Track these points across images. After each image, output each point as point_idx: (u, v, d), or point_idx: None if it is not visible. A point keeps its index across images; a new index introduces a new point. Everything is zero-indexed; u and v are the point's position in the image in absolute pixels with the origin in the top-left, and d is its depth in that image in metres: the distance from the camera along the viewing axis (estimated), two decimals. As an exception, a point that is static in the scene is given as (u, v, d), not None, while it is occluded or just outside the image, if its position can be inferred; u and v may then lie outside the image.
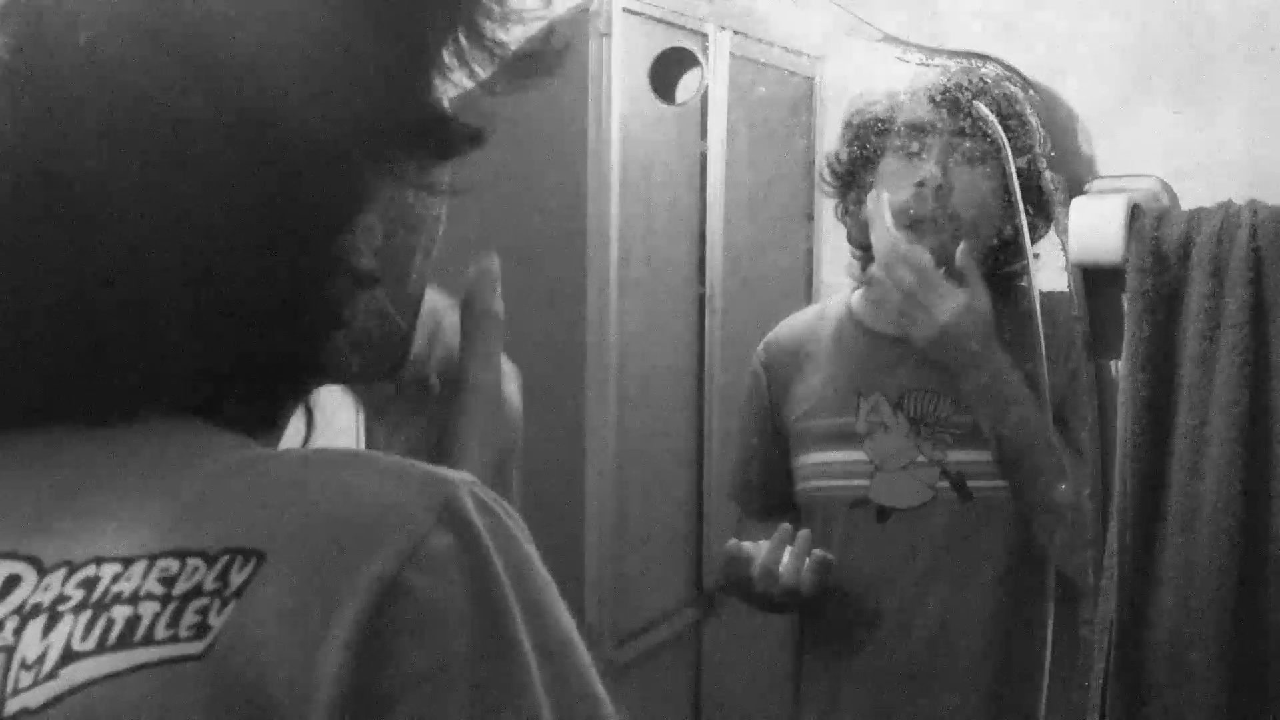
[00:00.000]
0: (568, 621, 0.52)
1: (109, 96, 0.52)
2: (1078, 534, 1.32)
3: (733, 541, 1.50)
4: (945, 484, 1.44)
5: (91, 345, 0.53)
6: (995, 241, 1.44)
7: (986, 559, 1.43)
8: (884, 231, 1.43)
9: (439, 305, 0.70)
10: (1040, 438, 1.38)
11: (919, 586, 1.45)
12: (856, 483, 1.48)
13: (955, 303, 1.37)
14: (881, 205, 1.44)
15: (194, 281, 0.53)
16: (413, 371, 0.68)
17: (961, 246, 1.40)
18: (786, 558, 1.42)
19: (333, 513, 0.50)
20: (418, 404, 0.72)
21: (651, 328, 1.77)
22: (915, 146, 1.44)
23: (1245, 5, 1.32)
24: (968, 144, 1.41)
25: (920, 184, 1.42)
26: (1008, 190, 1.40)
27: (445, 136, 0.59)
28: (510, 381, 0.71)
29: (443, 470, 0.53)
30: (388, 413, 0.73)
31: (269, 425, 0.60)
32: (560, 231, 1.69)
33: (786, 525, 1.44)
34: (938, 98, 1.43)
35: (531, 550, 0.52)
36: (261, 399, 0.58)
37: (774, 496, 1.56)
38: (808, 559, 1.41)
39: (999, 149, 1.40)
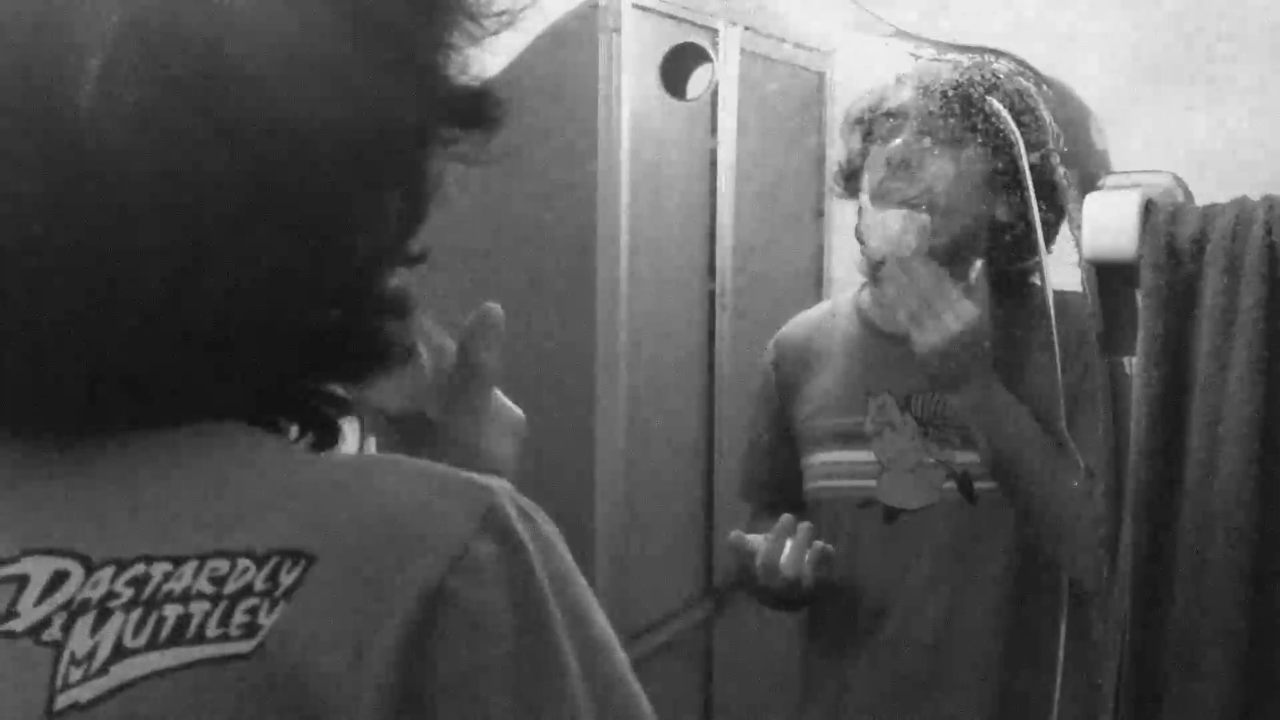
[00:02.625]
0: (606, 626, 0.53)
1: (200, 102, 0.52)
2: (1086, 535, 1.31)
3: (736, 533, 1.49)
4: (952, 485, 1.43)
5: (150, 353, 0.53)
6: (987, 226, 1.42)
7: (993, 560, 1.42)
8: (867, 210, 1.43)
9: (446, 343, 0.70)
10: (1034, 447, 1.37)
11: (926, 587, 1.44)
12: (864, 483, 1.47)
13: (967, 316, 1.36)
14: (863, 192, 1.45)
15: (253, 289, 0.53)
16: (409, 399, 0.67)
17: (979, 264, 1.39)
18: (787, 550, 1.41)
19: (380, 517, 0.51)
20: (407, 434, 0.71)
21: (661, 324, 1.76)
22: (891, 130, 1.44)
23: (1259, 0, 1.31)
24: (941, 126, 1.41)
25: (887, 162, 1.42)
26: (1019, 184, 1.39)
27: (486, 108, 0.59)
28: (503, 436, 0.71)
29: (484, 477, 0.54)
30: (381, 435, 0.73)
31: (330, 433, 0.60)
32: (570, 227, 1.69)
33: (788, 516, 1.43)
34: (917, 84, 1.43)
35: (569, 557, 0.53)
36: (322, 406, 0.59)
37: (783, 495, 1.55)
38: (808, 551, 1.41)
39: (979, 134, 1.40)
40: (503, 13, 0.59)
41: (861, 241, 1.46)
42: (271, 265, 0.53)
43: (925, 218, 1.40)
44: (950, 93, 1.41)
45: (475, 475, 0.54)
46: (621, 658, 0.53)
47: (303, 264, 0.54)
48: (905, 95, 1.44)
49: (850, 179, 1.51)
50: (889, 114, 1.44)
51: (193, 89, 0.51)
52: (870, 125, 1.47)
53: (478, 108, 0.59)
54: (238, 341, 0.53)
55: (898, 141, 1.42)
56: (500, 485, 0.53)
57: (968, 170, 1.41)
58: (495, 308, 0.69)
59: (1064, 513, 1.35)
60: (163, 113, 0.51)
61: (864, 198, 1.46)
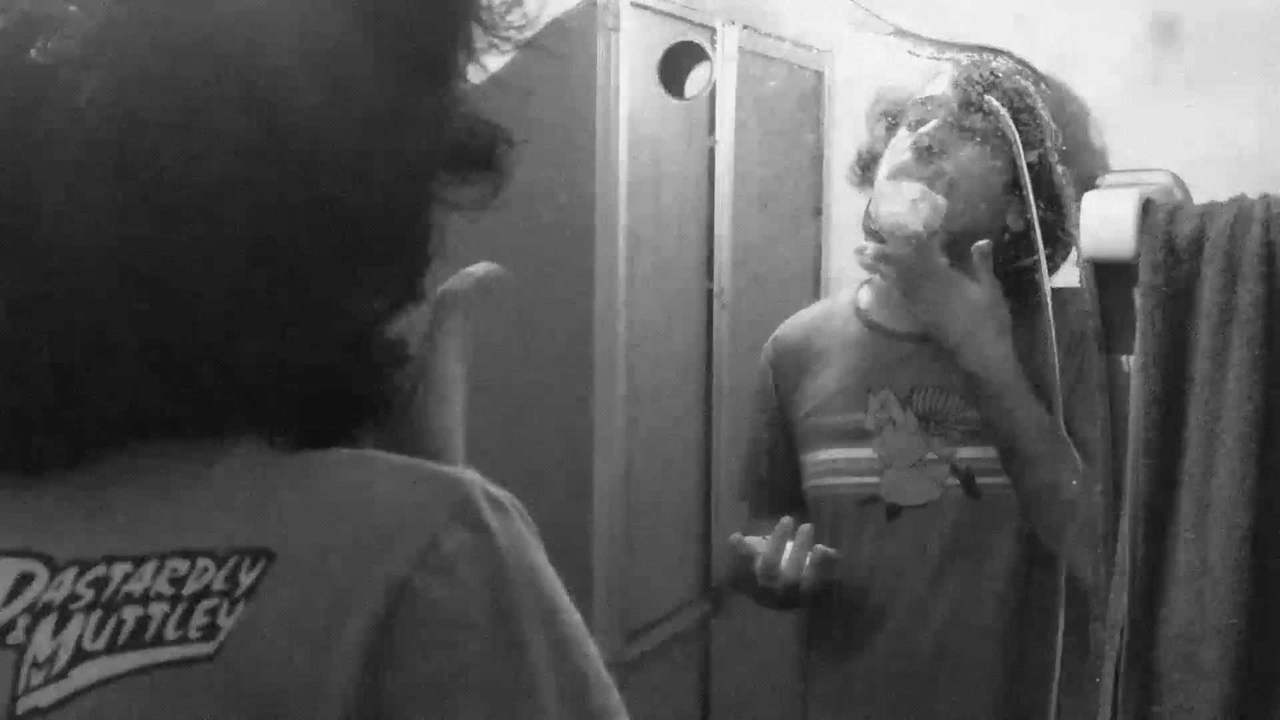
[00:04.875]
0: (577, 619, 0.52)
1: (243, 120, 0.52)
2: (1086, 531, 1.31)
3: (736, 535, 1.49)
4: (955, 481, 1.43)
5: (129, 367, 0.52)
6: (999, 226, 1.43)
7: (996, 556, 1.42)
8: (881, 183, 1.43)
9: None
10: (1038, 431, 1.37)
11: (929, 584, 1.44)
12: (866, 480, 1.47)
13: (948, 285, 1.38)
14: (880, 175, 1.45)
15: (246, 307, 0.53)
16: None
17: (979, 244, 1.39)
18: (788, 552, 1.41)
19: (344, 513, 0.50)
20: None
21: (660, 323, 1.76)
22: (921, 116, 1.44)
23: (1257, 1, 1.32)
24: (972, 119, 1.41)
25: (914, 145, 1.42)
26: (1018, 184, 1.39)
27: (493, 146, 0.59)
28: (456, 418, 0.71)
29: (455, 470, 0.53)
30: None
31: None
32: (568, 227, 1.69)
33: (788, 519, 1.43)
34: (956, 77, 1.43)
35: (540, 548, 0.52)
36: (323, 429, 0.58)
37: (783, 494, 1.55)
38: (810, 554, 1.40)
39: (1003, 133, 1.40)
40: (513, 34, 0.58)
41: (870, 216, 1.45)
42: (307, 314, 0.53)
43: (942, 198, 1.39)
44: (987, 89, 1.41)
45: (446, 468, 0.53)
46: (592, 650, 0.52)
47: (322, 311, 0.54)
48: (938, 87, 1.45)
49: (867, 168, 1.50)
50: (923, 101, 1.44)
51: (253, 142, 0.51)
52: (899, 113, 1.47)
53: (488, 151, 0.58)
54: (254, 382, 0.53)
55: (928, 127, 1.42)
56: (472, 477, 0.52)
57: (991, 165, 1.41)
58: (500, 269, 0.66)
59: (1073, 501, 1.35)
60: (248, 166, 0.51)
61: (880, 178, 1.45)
